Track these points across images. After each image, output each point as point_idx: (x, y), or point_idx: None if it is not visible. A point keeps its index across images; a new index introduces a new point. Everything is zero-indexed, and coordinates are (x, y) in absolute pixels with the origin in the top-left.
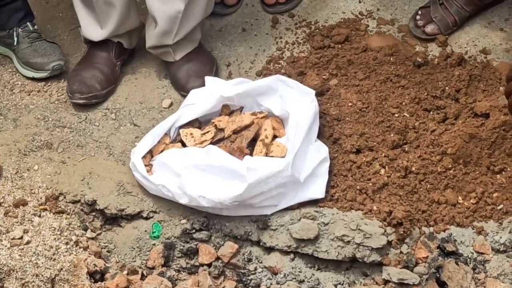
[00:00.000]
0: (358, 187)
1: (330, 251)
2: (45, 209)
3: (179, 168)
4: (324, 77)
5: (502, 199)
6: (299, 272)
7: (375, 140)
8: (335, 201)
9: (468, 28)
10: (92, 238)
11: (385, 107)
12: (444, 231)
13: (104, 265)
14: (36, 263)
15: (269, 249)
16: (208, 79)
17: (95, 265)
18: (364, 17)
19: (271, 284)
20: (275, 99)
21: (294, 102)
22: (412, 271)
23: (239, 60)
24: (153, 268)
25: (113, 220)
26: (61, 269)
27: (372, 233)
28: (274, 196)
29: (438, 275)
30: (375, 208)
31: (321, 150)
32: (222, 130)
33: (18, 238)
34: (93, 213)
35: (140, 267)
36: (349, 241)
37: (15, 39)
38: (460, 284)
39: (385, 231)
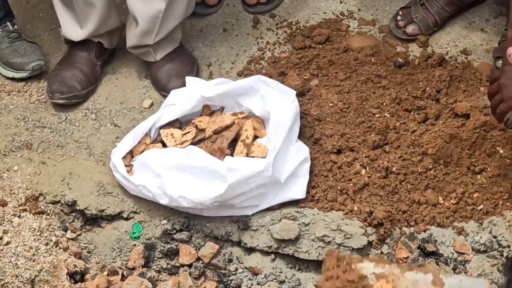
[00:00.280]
0: (339, 188)
1: (311, 251)
2: (25, 210)
3: (159, 169)
4: (305, 77)
5: (483, 200)
6: (280, 272)
7: (356, 140)
8: (316, 201)
9: (449, 28)
10: (72, 239)
11: (366, 108)
12: (424, 231)
13: (84, 265)
14: (16, 264)
15: (250, 250)
16: (188, 79)
17: (75, 265)
18: (345, 17)
19: (251, 284)
20: (256, 99)
21: (275, 103)
22: None
23: (220, 60)
24: (134, 268)
25: (93, 220)
26: (41, 270)
27: (352, 233)
28: (255, 197)
29: None
30: (355, 208)
31: (302, 151)
32: (202, 130)
33: None
34: (73, 214)
35: (121, 268)
36: (330, 242)
37: None
38: None
39: (366, 231)
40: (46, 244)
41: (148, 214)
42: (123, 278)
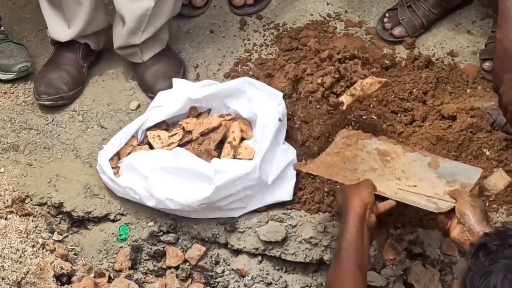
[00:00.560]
0: (325, 189)
1: (298, 253)
2: (11, 212)
3: (146, 171)
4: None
5: None
6: (267, 274)
7: None
8: (303, 203)
9: (435, 30)
10: (59, 241)
11: (353, 109)
12: (411, 233)
13: (71, 268)
14: (2, 266)
15: (237, 252)
16: (175, 81)
17: (61, 268)
18: (332, 19)
19: (238, 286)
20: (243, 101)
21: (262, 104)
22: (379, 273)
23: (207, 62)
24: (120, 270)
25: (80, 222)
26: (28, 272)
27: None
28: (241, 199)
29: (405, 277)
30: None
31: (288, 153)
32: (189, 132)
33: None
34: (60, 216)
35: (107, 270)
36: (316, 244)
37: None
38: (427, 286)
39: None
40: (33, 246)
41: (135, 216)
42: (110, 280)
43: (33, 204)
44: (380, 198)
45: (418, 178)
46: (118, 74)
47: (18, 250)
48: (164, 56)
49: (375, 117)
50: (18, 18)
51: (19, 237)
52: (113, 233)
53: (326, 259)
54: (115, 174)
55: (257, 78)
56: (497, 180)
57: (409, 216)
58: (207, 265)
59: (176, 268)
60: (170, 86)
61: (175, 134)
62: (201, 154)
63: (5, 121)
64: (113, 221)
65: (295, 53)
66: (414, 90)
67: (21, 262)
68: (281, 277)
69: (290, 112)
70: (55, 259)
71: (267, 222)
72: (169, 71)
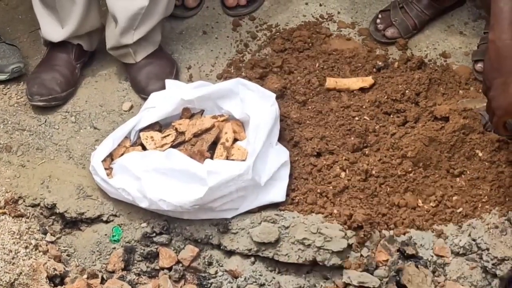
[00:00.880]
0: (318, 191)
1: (291, 254)
2: (4, 213)
3: (139, 172)
4: (284, 80)
5: (462, 202)
6: (260, 275)
7: (336, 143)
8: (296, 204)
9: (428, 31)
10: (52, 242)
11: (346, 111)
12: (404, 234)
13: (64, 269)
14: None
15: (230, 253)
16: (168, 82)
17: (54, 269)
18: (324, 20)
19: (231, 287)
20: (236, 102)
21: (255, 105)
22: (372, 274)
23: (200, 63)
24: (113, 272)
25: (73, 223)
26: (21, 273)
27: (332, 236)
28: (234, 200)
29: (398, 278)
30: (335, 211)
31: (281, 154)
32: (182, 133)
33: None
34: (53, 217)
35: (100, 271)
36: (309, 245)
37: None
38: (420, 287)
39: (346, 234)
40: (26, 247)
41: (128, 217)
42: (103, 281)
43: (26, 205)
44: None
45: None
46: (111, 75)
47: (11, 251)
48: (157, 57)
49: (368, 118)
50: (10, 19)
51: (12, 238)
52: (106, 234)
53: (319, 260)
54: (108, 175)
55: (250, 79)
56: None
57: (401, 217)
58: (200, 266)
59: (169, 269)
60: (162, 87)
61: (168, 135)
62: (194, 155)
63: None
64: (106, 222)
65: (288, 54)
66: (407, 91)
67: (14, 263)
68: (274, 278)
69: (283, 113)
70: (48, 260)
71: (260, 223)
72: (161, 72)
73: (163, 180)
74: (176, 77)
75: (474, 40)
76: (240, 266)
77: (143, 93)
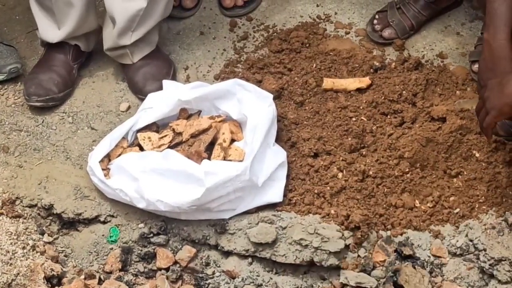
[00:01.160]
0: (316, 191)
1: (288, 255)
2: (1, 214)
3: (136, 172)
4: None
5: (459, 203)
6: (257, 276)
7: (333, 144)
8: (293, 205)
9: (425, 32)
10: (49, 243)
11: (343, 111)
12: (401, 234)
13: (61, 269)
14: None
15: (227, 253)
16: (165, 82)
17: (52, 269)
18: (322, 21)
19: None
20: (233, 103)
21: (252, 106)
22: (369, 274)
23: (197, 63)
24: (111, 272)
25: (70, 224)
26: (18, 274)
27: (329, 237)
28: (232, 200)
29: (395, 279)
30: (332, 212)
31: (279, 154)
32: (180, 134)
33: None
34: (50, 217)
35: (98, 272)
36: (307, 245)
37: None
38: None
39: (343, 235)
40: (23, 248)
41: (125, 218)
42: (100, 282)
43: (23, 206)
44: None
45: None
46: (108, 75)
47: (8, 252)
48: (154, 58)
49: (365, 119)
50: (8, 20)
51: (9, 239)
52: (103, 235)
53: (316, 261)
54: (105, 175)
55: (247, 80)
56: None
57: (399, 217)
58: (197, 266)
59: (167, 269)
60: (160, 87)
61: (165, 136)
62: (191, 155)
63: None
64: (104, 222)
65: (285, 54)
66: (404, 92)
67: (11, 264)
68: (271, 278)
69: (280, 114)
70: (46, 260)
71: (257, 224)
72: (159, 72)
73: (160, 180)
74: (173, 77)
75: (471, 40)
76: (237, 267)
77: (141, 94)
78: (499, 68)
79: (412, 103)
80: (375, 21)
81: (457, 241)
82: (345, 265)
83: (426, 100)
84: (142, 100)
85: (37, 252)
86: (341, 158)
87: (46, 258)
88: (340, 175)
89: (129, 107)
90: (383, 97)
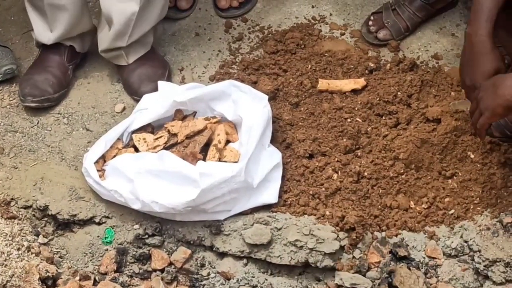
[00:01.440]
0: (311, 192)
1: (283, 256)
2: None
3: (131, 173)
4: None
5: (454, 204)
6: (252, 277)
7: (328, 145)
8: (288, 206)
9: (420, 33)
10: (44, 244)
11: (338, 112)
12: (396, 236)
13: (56, 271)
14: None
15: (222, 254)
16: (161, 83)
17: (47, 271)
18: (317, 22)
19: None
20: (228, 104)
21: (247, 107)
22: (364, 276)
23: (192, 64)
24: (106, 273)
25: (65, 225)
26: (13, 275)
27: (324, 238)
28: (227, 201)
29: (390, 280)
30: (327, 213)
31: (274, 155)
32: (175, 135)
33: None
34: (45, 219)
35: (93, 273)
36: (302, 246)
37: None
38: None
39: (338, 236)
40: (18, 249)
41: (120, 219)
42: (95, 283)
43: (18, 207)
44: None
45: None
46: (103, 76)
47: (3, 253)
48: (149, 59)
49: (360, 120)
50: (3, 21)
51: (4, 240)
52: (98, 236)
53: (311, 262)
54: (100, 177)
55: (242, 81)
56: None
57: (394, 218)
58: (192, 268)
59: (162, 271)
60: (155, 88)
61: (160, 137)
62: (186, 157)
63: None
64: (99, 224)
65: (280, 56)
66: (399, 93)
67: (6, 265)
68: (266, 279)
69: (275, 115)
70: (41, 262)
71: (252, 225)
72: (154, 74)
73: (155, 182)
74: (169, 78)
75: None
76: (232, 268)
77: (136, 95)
78: (477, 63)
79: (407, 104)
80: (370, 23)
81: (452, 242)
82: (340, 266)
83: (421, 101)
84: (137, 101)
85: (32, 253)
86: (336, 159)
87: (41, 259)
88: (335, 176)
89: (124, 108)
90: (378, 98)
